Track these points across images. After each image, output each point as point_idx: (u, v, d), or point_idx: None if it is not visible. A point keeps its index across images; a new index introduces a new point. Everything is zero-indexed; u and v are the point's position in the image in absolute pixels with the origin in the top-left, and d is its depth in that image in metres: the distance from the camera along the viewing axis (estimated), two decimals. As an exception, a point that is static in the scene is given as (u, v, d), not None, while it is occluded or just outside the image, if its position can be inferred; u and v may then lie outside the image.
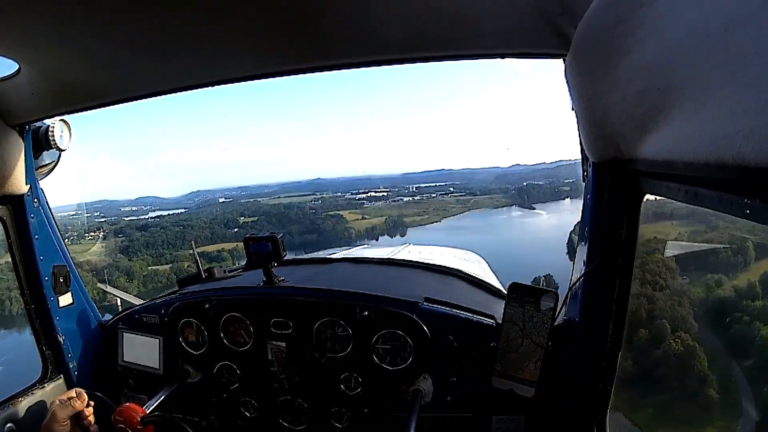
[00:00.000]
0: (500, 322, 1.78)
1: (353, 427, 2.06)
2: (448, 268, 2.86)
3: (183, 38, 1.41)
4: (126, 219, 64.98)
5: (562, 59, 1.42)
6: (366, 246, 4.66)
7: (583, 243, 1.68)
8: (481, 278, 2.77)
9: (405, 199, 76.67)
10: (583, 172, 1.68)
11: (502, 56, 1.54)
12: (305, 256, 3.37)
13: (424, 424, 1.94)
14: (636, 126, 1.12)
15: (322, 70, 1.67)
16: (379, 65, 1.64)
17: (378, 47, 1.54)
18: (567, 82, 1.40)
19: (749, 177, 0.75)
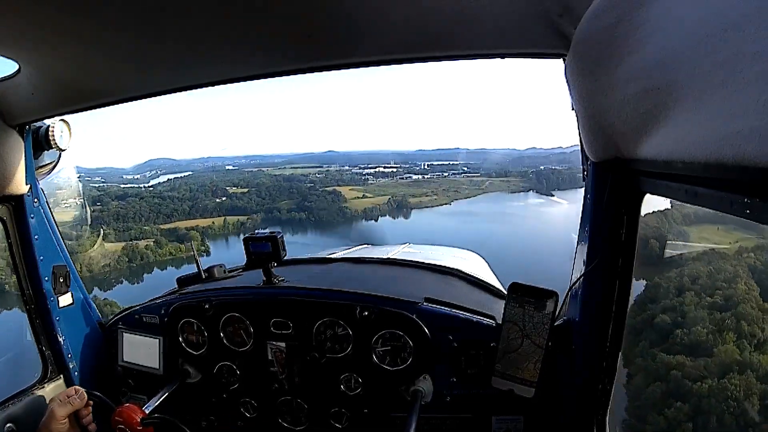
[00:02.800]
0: (500, 322, 1.78)
1: (353, 427, 2.06)
2: (448, 268, 2.85)
3: (183, 38, 1.41)
4: (122, 186, 62.25)
5: (562, 59, 1.42)
6: (366, 246, 4.62)
7: (583, 243, 1.68)
8: (481, 278, 2.77)
9: (414, 176, 70.39)
10: (583, 171, 1.67)
11: (502, 56, 1.54)
12: (305, 256, 3.37)
13: (424, 424, 1.94)
14: (636, 126, 1.12)
15: (322, 70, 1.67)
16: (379, 65, 1.64)
17: (378, 47, 1.54)
18: (567, 82, 1.40)
19: (749, 177, 0.75)
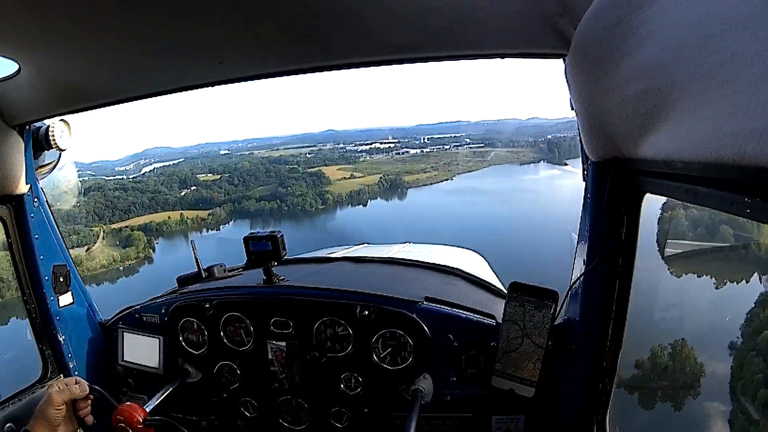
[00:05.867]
0: (500, 321, 1.78)
1: (353, 427, 2.06)
2: (449, 267, 2.86)
3: (183, 38, 1.41)
4: (106, 179, 58.56)
5: (562, 59, 1.43)
6: (366, 245, 4.63)
7: (583, 242, 1.68)
8: (481, 277, 2.77)
9: (411, 151, 64.21)
10: (584, 171, 1.68)
11: (502, 56, 1.54)
12: (305, 255, 3.37)
13: (424, 423, 1.94)
14: (636, 126, 1.12)
15: (322, 70, 1.67)
16: (379, 65, 1.64)
17: (378, 47, 1.54)
18: (567, 81, 1.41)
19: (749, 176, 0.75)
